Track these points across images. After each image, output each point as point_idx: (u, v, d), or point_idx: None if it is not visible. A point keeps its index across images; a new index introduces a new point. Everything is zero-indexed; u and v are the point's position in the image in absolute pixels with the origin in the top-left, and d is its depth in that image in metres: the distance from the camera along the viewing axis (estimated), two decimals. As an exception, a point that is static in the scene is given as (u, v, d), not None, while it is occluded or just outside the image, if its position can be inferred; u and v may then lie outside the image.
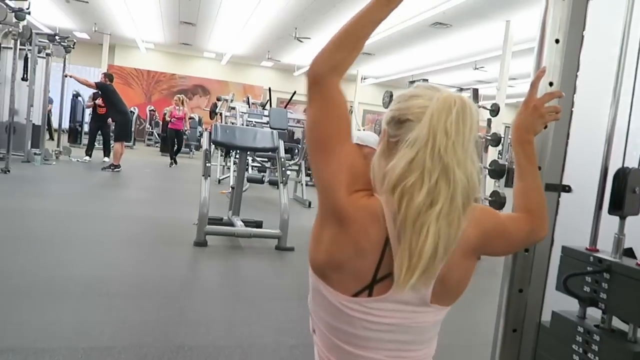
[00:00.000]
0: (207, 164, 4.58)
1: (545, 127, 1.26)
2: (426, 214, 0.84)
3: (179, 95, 11.01)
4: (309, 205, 7.09)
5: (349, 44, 0.89)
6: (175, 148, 10.54)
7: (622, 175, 1.30)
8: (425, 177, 0.85)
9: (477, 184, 0.89)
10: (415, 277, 0.85)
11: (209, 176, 4.57)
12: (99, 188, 6.97)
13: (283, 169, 4.83)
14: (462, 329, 3.11)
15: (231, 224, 5.11)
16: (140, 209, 5.78)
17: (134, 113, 12.44)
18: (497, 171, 5.31)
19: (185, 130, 11.40)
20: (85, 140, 10.71)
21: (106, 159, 8.93)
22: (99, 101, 8.74)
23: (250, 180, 6.66)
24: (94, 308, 2.65)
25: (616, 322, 1.35)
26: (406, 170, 0.86)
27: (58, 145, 9.32)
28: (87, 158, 9.12)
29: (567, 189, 1.63)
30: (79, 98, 11.71)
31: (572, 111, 1.55)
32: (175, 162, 10.31)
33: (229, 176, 7.71)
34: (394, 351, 0.96)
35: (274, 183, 5.52)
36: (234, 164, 7.97)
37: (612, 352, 1.30)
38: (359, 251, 0.90)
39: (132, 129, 11.50)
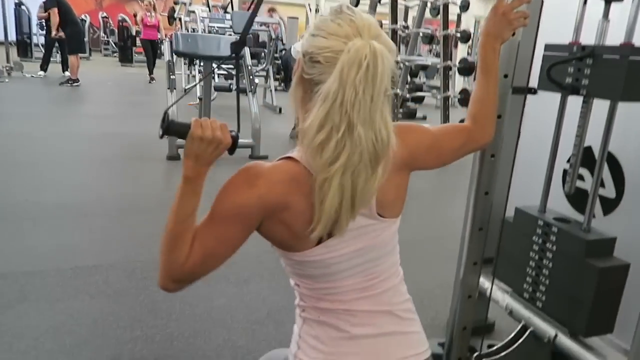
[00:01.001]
0: (171, 76, 4.42)
1: (513, 34, 1.25)
2: (329, 169, 0.85)
3: (149, -1, 9.67)
4: (279, 111, 7.04)
5: (178, 246, 0.89)
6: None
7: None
8: (333, 134, 0.84)
9: (388, 137, 0.88)
10: (320, 228, 0.89)
11: (175, 88, 4.44)
12: (61, 106, 6.70)
13: (251, 77, 4.71)
14: (434, 223, 3.32)
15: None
16: (107, 125, 5.63)
17: (85, 21, 11.60)
18: (466, 68, 5.33)
19: (161, 40, 9.84)
20: (37, 54, 10.05)
21: (66, 73, 8.46)
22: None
23: (217, 89, 6.49)
24: (74, 229, 2.69)
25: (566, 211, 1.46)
26: (318, 128, 0.85)
27: (8, 61, 8.74)
28: (42, 73, 8.64)
29: (533, 91, 1.67)
30: (23, 7, 10.78)
31: (540, 16, 1.54)
32: (154, 78, 9.40)
33: (195, 85, 7.47)
34: (366, 270, 1.03)
35: (242, 91, 5.39)
36: (198, 72, 7.70)
37: (568, 242, 1.42)
38: (305, 215, 0.91)
39: (86, 39, 10.78)
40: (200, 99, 5.15)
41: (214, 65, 4.56)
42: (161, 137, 0.90)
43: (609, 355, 1.42)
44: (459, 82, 5.61)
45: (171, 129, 0.88)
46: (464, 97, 5.32)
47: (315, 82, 0.90)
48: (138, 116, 6.29)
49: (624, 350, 1.43)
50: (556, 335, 1.49)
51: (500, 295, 1.65)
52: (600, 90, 1.33)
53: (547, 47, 1.44)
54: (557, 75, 1.39)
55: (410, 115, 6.12)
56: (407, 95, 5.16)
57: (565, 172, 1.59)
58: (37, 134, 4.79)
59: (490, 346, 1.64)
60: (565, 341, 1.47)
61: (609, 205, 1.46)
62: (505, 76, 1.50)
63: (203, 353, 1.71)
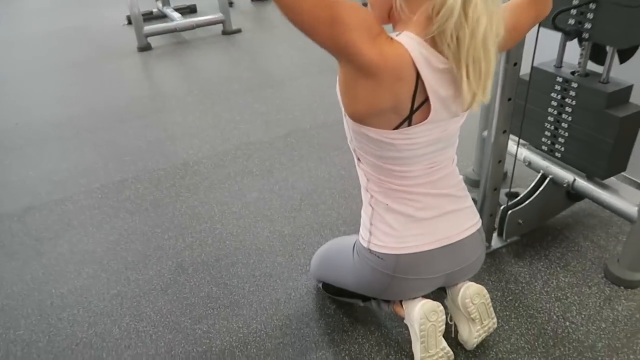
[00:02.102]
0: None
1: None
2: (487, 36, 0.92)
3: None
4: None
5: None
6: None
7: None
8: (467, 5, 0.89)
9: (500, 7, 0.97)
10: (488, 91, 0.99)
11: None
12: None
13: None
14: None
15: (164, 16, 4.75)
16: (56, 20, 5.16)
17: None
18: None
19: None
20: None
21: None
22: None
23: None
24: (81, 147, 2.67)
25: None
26: (455, 6, 0.88)
27: None
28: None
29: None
30: None
31: None
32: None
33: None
34: (431, 159, 1.14)
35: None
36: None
37: (588, 95, 1.51)
38: (395, 94, 0.97)
39: None
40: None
41: None
42: None
43: (621, 189, 1.60)
44: None
45: None
46: None
47: None
48: (81, 3, 5.73)
49: (634, 182, 1.61)
50: (574, 180, 1.66)
51: (516, 147, 1.79)
52: (603, 37, 1.40)
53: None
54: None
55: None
56: None
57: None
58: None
59: (511, 195, 1.81)
60: (583, 184, 1.65)
61: (624, 55, 1.51)
62: None
63: (256, 247, 1.87)
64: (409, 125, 1.03)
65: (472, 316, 1.31)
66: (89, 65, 3.84)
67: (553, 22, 1.45)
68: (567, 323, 1.48)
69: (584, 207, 1.93)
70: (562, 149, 1.66)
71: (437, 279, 1.24)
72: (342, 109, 1.07)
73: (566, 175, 1.68)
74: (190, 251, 1.87)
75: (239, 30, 4.34)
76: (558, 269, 1.67)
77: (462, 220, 1.24)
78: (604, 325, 1.46)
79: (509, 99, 1.46)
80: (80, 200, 2.22)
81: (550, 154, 1.71)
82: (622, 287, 1.58)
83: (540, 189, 1.74)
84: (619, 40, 1.39)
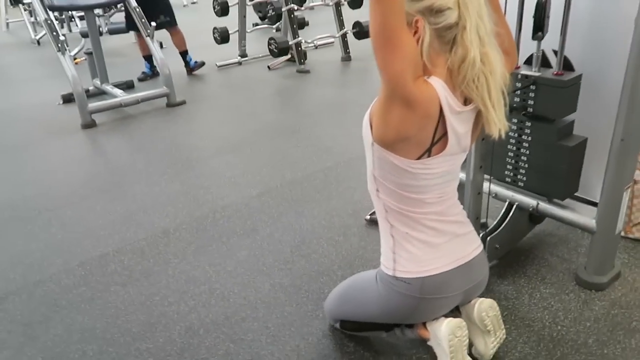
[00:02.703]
0: (57, 36, 3.98)
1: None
2: (496, 79, 1.19)
3: None
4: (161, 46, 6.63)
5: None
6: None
7: (542, 4, 1.63)
8: (492, 50, 1.17)
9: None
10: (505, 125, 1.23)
11: (66, 49, 4.02)
12: None
13: (143, 20, 4.39)
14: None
15: (102, 93, 4.77)
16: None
17: None
18: (356, 1, 5.50)
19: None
20: None
21: None
22: None
23: (84, 35, 5.89)
24: (43, 230, 2.58)
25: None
26: (480, 52, 1.15)
27: None
28: None
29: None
30: None
31: None
32: None
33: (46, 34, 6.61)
34: (441, 189, 1.33)
35: (132, 28, 4.89)
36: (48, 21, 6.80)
37: (541, 131, 1.79)
38: (422, 125, 1.18)
39: None
40: (88, 53, 4.71)
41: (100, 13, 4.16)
42: None
43: (577, 207, 1.88)
44: (350, 16, 5.67)
45: None
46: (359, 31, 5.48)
47: (446, 26, 1.14)
48: (9, 85, 5.57)
49: (585, 200, 1.91)
50: (538, 204, 1.93)
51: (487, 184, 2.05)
52: (544, 111, 1.66)
53: None
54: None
55: (300, 25, 6.15)
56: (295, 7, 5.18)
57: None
58: None
59: (481, 225, 2.04)
60: (545, 206, 1.92)
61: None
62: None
63: (261, 300, 1.92)
64: (429, 156, 1.23)
65: (487, 328, 1.47)
66: (32, 146, 3.73)
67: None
68: (559, 327, 1.68)
69: (543, 228, 2.21)
70: (524, 178, 1.93)
71: (457, 297, 1.40)
72: (370, 139, 1.26)
73: (530, 201, 1.95)
74: (197, 313, 1.88)
75: (183, 102, 4.45)
76: (537, 282, 1.90)
77: (470, 242, 1.43)
78: (588, 324, 1.69)
79: (483, 139, 1.71)
80: (61, 279, 2.14)
81: (513, 184, 1.98)
82: (593, 290, 1.83)
83: (510, 215, 1.99)
84: (555, 112, 1.75)
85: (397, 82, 1.12)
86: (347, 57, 5.57)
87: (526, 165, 1.91)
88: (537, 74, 1.73)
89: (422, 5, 1.14)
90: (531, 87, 1.74)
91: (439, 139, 1.22)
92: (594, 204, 1.87)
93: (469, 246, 1.42)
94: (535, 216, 2.10)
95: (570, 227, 2.10)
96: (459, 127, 1.22)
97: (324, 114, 3.93)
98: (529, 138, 1.85)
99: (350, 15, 5.64)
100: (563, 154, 1.77)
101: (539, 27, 1.66)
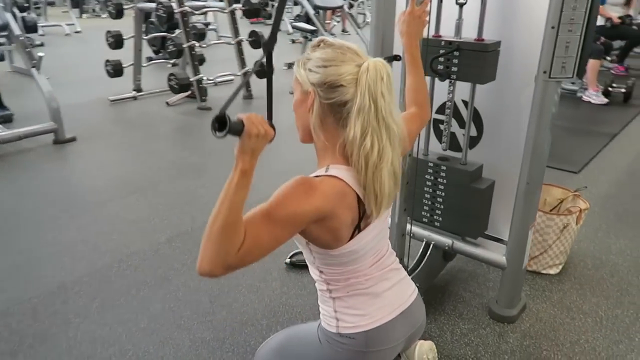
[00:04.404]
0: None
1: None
2: (380, 166, 1.12)
3: None
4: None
5: (235, 234, 0.96)
6: None
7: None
8: (375, 138, 1.11)
9: (402, 124, 1.19)
10: (383, 209, 1.19)
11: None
12: None
13: (27, 49, 4.00)
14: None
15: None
16: None
17: None
18: (257, 41, 5.60)
19: None
20: None
21: None
22: None
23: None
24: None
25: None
26: (362, 136, 1.10)
27: None
28: None
29: (398, 58, 2.06)
30: None
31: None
32: None
33: None
34: (376, 248, 1.34)
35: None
36: None
37: (455, 175, 1.92)
38: (348, 211, 1.15)
39: None
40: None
41: None
42: (223, 136, 0.95)
43: (486, 244, 2.02)
44: (245, 25, 5.71)
45: (232, 129, 0.93)
46: (254, 40, 5.55)
47: (338, 103, 1.11)
48: None
49: (494, 237, 2.05)
50: (453, 242, 2.04)
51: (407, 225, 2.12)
52: (466, 76, 1.81)
53: (425, 41, 1.78)
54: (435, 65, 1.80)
55: (199, 61, 6.04)
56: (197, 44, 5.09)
57: (435, 121, 2.08)
58: None
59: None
60: (460, 244, 2.03)
61: (473, 142, 2.00)
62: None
63: (182, 358, 1.77)
64: (360, 231, 1.22)
65: (429, 372, 1.49)
66: None
67: (430, 67, 1.80)
68: (481, 362, 1.77)
69: (454, 264, 2.34)
70: (440, 218, 2.04)
71: (401, 344, 1.40)
72: (303, 241, 1.19)
73: (446, 240, 2.06)
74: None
75: (73, 139, 4.09)
76: (456, 319, 1.99)
77: (407, 287, 1.45)
78: (506, 357, 1.79)
79: (407, 182, 1.78)
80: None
81: (430, 224, 2.08)
82: (505, 323, 1.96)
83: (427, 254, 2.08)
84: (478, 78, 1.80)
85: (309, 224, 1.07)
86: (249, 96, 5.57)
87: (442, 207, 2.02)
88: (459, 40, 1.79)
89: (316, 77, 1.12)
90: (455, 52, 1.78)
91: (364, 212, 1.22)
92: (499, 240, 2.03)
93: (407, 291, 1.43)
94: (449, 254, 2.21)
95: (477, 262, 2.25)
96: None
97: (229, 153, 3.82)
98: (444, 181, 1.97)
99: (251, 54, 5.68)
100: (475, 195, 1.91)
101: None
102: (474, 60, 1.75)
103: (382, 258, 1.36)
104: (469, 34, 1.79)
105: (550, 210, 2.36)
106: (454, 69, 1.80)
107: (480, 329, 1.94)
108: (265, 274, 2.28)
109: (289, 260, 2.36)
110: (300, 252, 2.39)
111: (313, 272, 1.32)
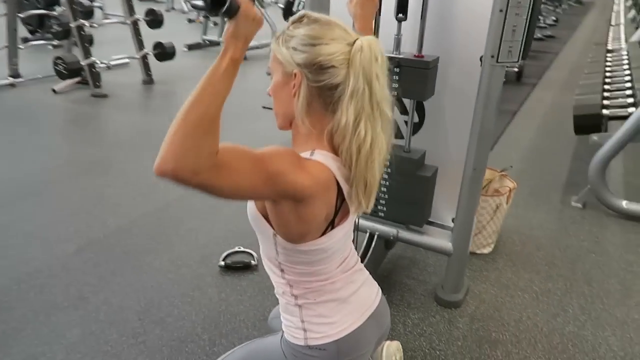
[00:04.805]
0: None
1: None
2: (372, 155, 1.02)
3: None
4: None
5: (213, 130, 0.81)
6: None
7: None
8: (368, 124, 1.00)
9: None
10: (372, 201, 1.08)
11: None
12: None
13: None
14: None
15: None
16: None
17: None
18: (156, 21, 5.15)
19: None
20: None
21: None
22: None
23: None
24: None
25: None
26: (356, 122, 0.99)
27: None
28: None
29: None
30: None
31: None
32: None
33: None
34: (342, 250, 1.23)
35: None
36: None
37: (400, 163, 1.85)
38: (328, 203, 1.04)
39: None
40: None
41: None
42: (222, 13, 0.83)
43: (429, 231, 2.00)
44: (150, 36, 5.20)
45: (232, 5, 0.82)
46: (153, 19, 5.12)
47: (328, 86, 0.98)
48: None
49: (438, 224, 2.04)
50: (398, 232, 1.99)
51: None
52: (406, 92, 1.78)
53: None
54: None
55: (90, 42, 5.41)
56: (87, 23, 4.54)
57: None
58: None
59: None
60: (405, 233, 1.99)
61: (415, 128, 1.94)
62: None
63: None
64: (333, 228, 1.09)
65: (397, 373, 1.42)
66: None
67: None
68: (437, 352, 1.74)
69: (393, 252, 2.30)
70: (384, 208, 1.97)
71: (371, 348, 1.31)
72: (269, 232, 1.05)
73: (390, 230, 2.00)
74: None
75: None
76: (406, 309, 1.95)
77: (371, 288, 1.35)
78: (460, 343, 1.79)
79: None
80: None
81: (374, 214, 2.01)
82: (453, 308, 1.96)
83: (372, 245, 2.01)
84: (420, 95, 1.76)
85: (287, 193, 0.93)
86: (149, 80, 5.11)
87: (386, 196, 1.95)
88: (400, 56, 1.73)
89: (303, 57, 0.98)
90: (395, 69, 1.72)
91: (339, 208, 1.10)
92: (441, 227, 2.01)
93: (372, 292, 1.34)
94: (390, 242, 2.17)
95: (415, 247, 2.23)
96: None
97: (136, 146, 3.49)
98: (388, 170, 1.90)
99: (149, 34, 5.21)
100: (421, 183, 1.86)
101: (404, 9, 1.68)
102: (415, 77, 1.71)
103: (346, 259, 1.26)
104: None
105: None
106: (395, 85, 1.74)
107: (430, 317, 1.92)
108: (198, 280, 2.07)
109: (223, 262, 2.16)
110: (235, 253, 2.23)
111: (273, 272, 1.18)
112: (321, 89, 0.99)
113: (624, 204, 2.68)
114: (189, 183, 0.78)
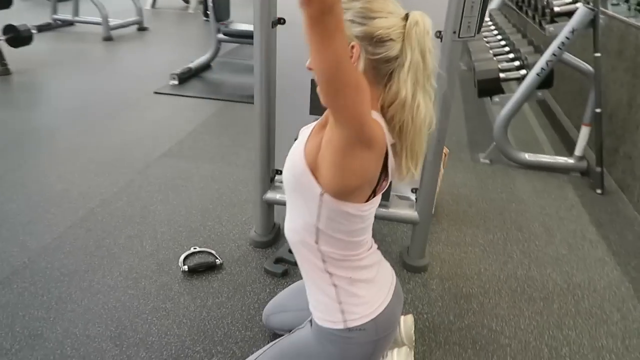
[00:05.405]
0: None
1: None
2: (424, 127, 1.09)
3: None
4: None
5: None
6: None
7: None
8: (422, 95, 1.06)
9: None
10: (419, 168, 1.14)
11: None
12: None
13: None
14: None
15: None
16: None
17: None
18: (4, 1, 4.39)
19: None
20: None
21: None
22: None
23: None
24: None
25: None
26: (414, 97, 1.04)
27: None
28: None
29: (282, 21, 1.90)
30: None
31: None
32: None
33: None
34: (371, 225, 1.26)
35: None
36: None
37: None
38: (379, 164, 1.08)
39: None
40: None
41: None
42: None
43: (395, 203, 2.09)
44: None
45: None
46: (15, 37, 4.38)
47: (384, 59, 1.02)
48: None
49: (399, 196, 2.12)
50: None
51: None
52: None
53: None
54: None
55: None
56: None
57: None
58: None
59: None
60: (370, 209, 2.04)
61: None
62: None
63: None
64: (374, 196, 1.13)
65: (413, 344, 1.48)
66: None
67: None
68: (425, 316, 1.86)
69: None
70: (350, 187, 2.00)
71: (398, 323, 1.36)
72: (317, 190, 1.07)
73: (357, 207, 2.03)
74: None
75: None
76: (381, 281, 2.03)
77: (388, 265, 1.40)
78: (441, 304, 1.92)
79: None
80: None
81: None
82: (422, 272, 2.09)
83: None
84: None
85: (362, 125, 0.96)
86: (5, 71, 4.39)
87: (352, 175, 1.97)
88: None
89: (361, 30, 1.00)
90: None
91: (381, 175, 1.12)
92: (402, 198, 2.11)
93: (389, 268, 1.39)
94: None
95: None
96: (393, 161, 1.14)
97: (25, 148, 3.01)
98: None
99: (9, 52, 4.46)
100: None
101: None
102: None
103: (369, 235, 1.30)
104: None
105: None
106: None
107: (405, 284, 2.02)
108: (165, 290, 1.90)
109: (185, 266, 2.01)
110: (193, 254, 2.08)
111: (306, 245, 1.18)
112: (377, 61, 1.02)
113: (527, 156, 3.05)
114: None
